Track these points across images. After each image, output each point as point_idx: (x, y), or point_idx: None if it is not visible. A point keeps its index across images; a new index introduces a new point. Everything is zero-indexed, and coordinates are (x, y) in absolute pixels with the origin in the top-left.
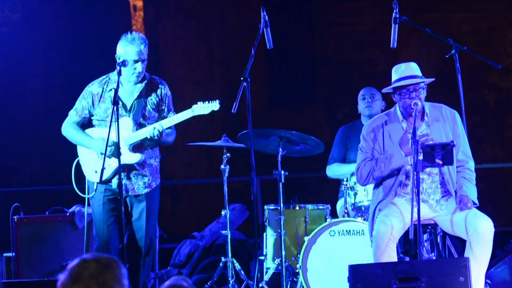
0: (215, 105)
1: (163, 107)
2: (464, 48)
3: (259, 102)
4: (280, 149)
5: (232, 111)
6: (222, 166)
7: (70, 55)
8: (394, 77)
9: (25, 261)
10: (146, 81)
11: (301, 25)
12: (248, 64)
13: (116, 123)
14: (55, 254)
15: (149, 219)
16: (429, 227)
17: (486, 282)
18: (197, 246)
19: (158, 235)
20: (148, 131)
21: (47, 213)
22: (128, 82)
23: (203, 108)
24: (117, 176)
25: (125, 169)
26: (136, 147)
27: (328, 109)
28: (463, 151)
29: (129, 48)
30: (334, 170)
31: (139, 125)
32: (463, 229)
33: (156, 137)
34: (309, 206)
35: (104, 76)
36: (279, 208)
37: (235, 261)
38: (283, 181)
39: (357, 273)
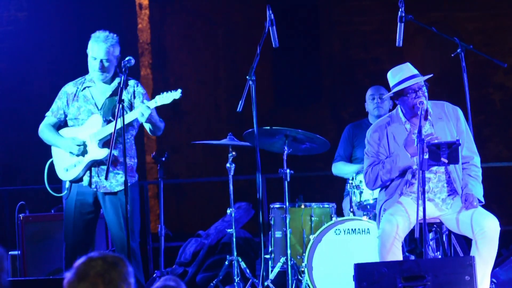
0: (176, 94)
1: (137, 104)
2: (469, 47)
3: (265, 100)
4: (286, 148)
5: (238, 109)
6: (228, 165)
7: (76, 53)
8: (392, 81)
9: (31, 259)
10: (119, 81)
11: (307, 24)
12: (253, 62)
13: (122, 122)
14: (60, 252)
15: (125, 219)
16: (435, 225)
17: (491, 281)
18: (203, 245)
19: (164, 233)
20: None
21: (52, 211)
22: (100, 81)
23: (164, 97)
24: (88, 174)
25: (95, 166)
26: (107, 144)
27: (334, 108)
28: (468, 147)
29: (92, 45)
30: (339, 168)
31: (108, 123)
32: (469, 228)
33: (143, 116)
34: (315, 205)
35: (80, 78)
36: (284, 206)
37: (240, 260)
38: (288, 179)
39: (362, 272)
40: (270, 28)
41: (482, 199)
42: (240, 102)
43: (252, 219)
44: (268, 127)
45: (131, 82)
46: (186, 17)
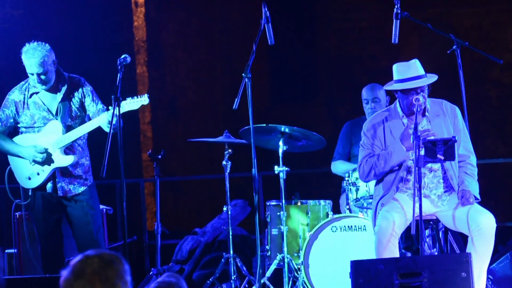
0: (144, 100)
1: (88, 102)
2: (465, 43)
3: (261, 98)
4: (282, 145)
5: (234, 107)
6: (224, 162)
7: (72, 51)
8: (397, 75)
9: (27, 257)
10: (66, 83)
11: (303, 21)
12: (249, 60)
13: (118, 120)
14: None
15: (92, 218)
16: (431, 222)
17: (488, 278)
18: (199, 242)
19: (160, 231)
20: (88, 126)
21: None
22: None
23: (132, 103)
24: (51, 181)
25: (58, 172)
26: (68, 149)
27: (330, 105)
28: (464, 146)
29: (24, 60)
30: (338, 167)
31: (67, 127)
32: (465, 225)
33: (109, 125)
34: (311, 202)
35: (22, 82)
36: (280, 204)
37: (237, 257)
38: (284, 177)
39: (359, 269)
40: (265, 25)
41: (478, 196)
42: (236, 99)
43: (248, 216)
44: (264, 125)
45: (79, 81)
46: (182, 15)
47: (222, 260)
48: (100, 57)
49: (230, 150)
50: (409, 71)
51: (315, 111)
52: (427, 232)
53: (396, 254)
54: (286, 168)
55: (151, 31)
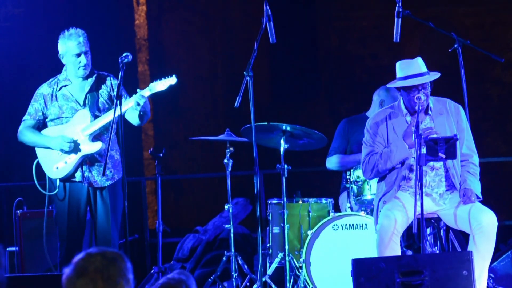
0: (172, 80)
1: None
2: (467, 42)
3: (262, 96)
4: (283, 143)
5: (235, 105)
6: (225, 161)
7: None
8: (399, 73)
9: (28, 255)
10: (94, 75)
11: (304, 20)
12: (251, 58)
13: (120, 117)
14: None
15: (112, 213)
16: (433, 221)
17: (489, 276)
18: (200, 241)
19: (161, 229)
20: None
21: (50, 207)
22: (77, 78)
23: (160, 84)
24: (80, 169)
25: (86, 161)
26: (96, 138)
27: (331, 103)
28: (467, 145)
29: (68, 44)
30: (333, 161)
31: (95, 117)
32: (467, 223)
33: (138, 107)
34: (312, 200)
35: (52, 78)
36: (282, 202)
37: (238, 255)
38: (286, 175)
39: (360, 267)
40: (267, 23)
41: (480, 195)
42: (238, 97)
43: (249, 214)
44: (266, 123)
45: (108, 77)
46: (184, 13)
47: (224, 258)
48: (102, 55)
49: (231, 148)
50: (411, 69)
51: (316, 110)
52: (428, 230)
53: (397, 252)
54: (288, 166)
55: (152, 29)
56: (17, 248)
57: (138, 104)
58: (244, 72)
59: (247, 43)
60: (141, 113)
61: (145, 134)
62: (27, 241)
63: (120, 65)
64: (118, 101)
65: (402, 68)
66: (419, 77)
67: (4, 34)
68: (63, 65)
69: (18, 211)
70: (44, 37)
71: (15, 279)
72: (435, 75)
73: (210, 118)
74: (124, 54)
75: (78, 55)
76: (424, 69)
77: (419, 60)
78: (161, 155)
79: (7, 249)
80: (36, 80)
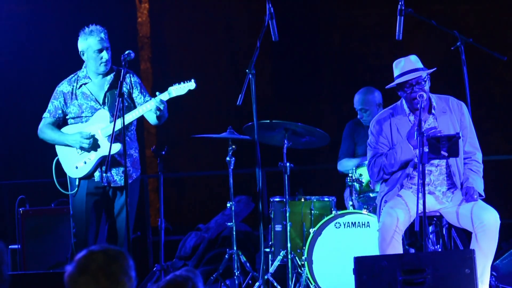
0: (191, 85)
1: (136, 94)
2: (469, 40)
3: (264, 94)
4: (286, 141)
5: (238, 103)
6: (228, 158)
7: (76, 47)
8: (395, 72)
9: (31, 253)
10: (114, 72)
11: (307, 18)
12: (253, 56)
13: (122, 115)
14: (60, 246)
15: (130, 212)
16: (435, 219)
17: (491, 274)
18: (203, 238)
19: (164, 227)
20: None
21: (52, 205)
22: (96, 76)
23: (179, 89)
24: (99, 169)
25: (105, 161)
26: (115, 138)
27: (334, 102)
28: (470, 143)
29: (90, 40)
30: (344, 165)
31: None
32: (469, 221)
33: (158, 111)
34: (315, 198)
35: (72, 75)
36: (284, 200)
37: (240, 253)
38: (288, 173)
39: (362, 265)
40: (269, 21)
41: (483, 193)
42: (240, 95)
43: (252, 212)
44: (268, 121)
45: (128, 73)
46: (186, 11)
47: (226, 256)
48: None
49: (234, 146)
50: (404, 65)
51: (319, 108)
52: (430, 228)
53: (399, 250)
54: (290, 164)
55: (155, 27)
56: (19, 246)
57: (157, 109)
58: (247, 70)
59: (250, 41)
60: (160, 114)
61: (148, 132)
62: (29, 239)
63: (123, 63)
64: (119, 99)
65: (396, 66)
66: (412, 73)
67: (6, 33)
68: (66, 63)
69: (20, 209)
70: (46, 35)
71: (17, 277)
72: (429, 70)
73: (212, 116)
74: (127, 52)
75: (100, 50)
76: (418, 65)
77: (412, 57)
78: (163, 153)
79: (10, 246)
80: (38, 78)
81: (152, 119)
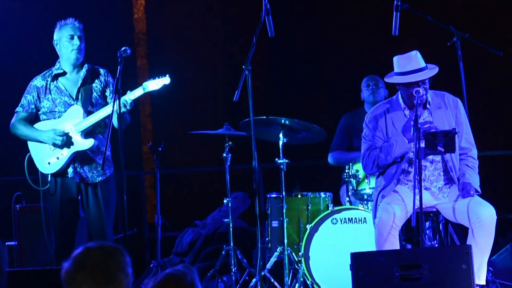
0: (166, 80)
1: (108, 93)
2: (465, 35)
3: (261, 90)
4: (282, 137)
5: (234, 99)
6: (224, 155)
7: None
8: (397, 68)
9: (27, 250)
10: (87, 69)
11: (303, 13)
12: (249, 52)
13: (118, 112)
14: None
15: (106, 209)
16: (432, 214)
17: (488, 270)
18: (199, 235)
19: (160, 223)
20: (102, 114)
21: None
22: (70, 67)
23: (154, 84)
24: (72, 165)
25: (78, 158)
26: (88, 134)
27: (330, 97)
28: (466, 139)
29: (63, 29)
30: (336, 157)
31: (88, 113)
32: (466, 217)
33: (128, 108)
34: (311, 194)
35: (46, 70)
36: (281, 196)
37: (237, 249)
38: (285, 169)
39: (359, 261)
40: (266, 17)
41: (479, 189)
42: (236, 91)
43: (248, 208)
44: (264, 117)
45: (102, 71)
46: (182, 7)
47: (223, 252)
48: (100, 49)
49: (230, 142)
50: (410, 64)
51: (315, 103)
52: (427, 224)
53: (396, 246)
54: (287, 160)
55: (151, 23)
56: (16, 242)
57: (124, 106)
58: (243, 66)
59: (246, 37)
60: (123, 112)
61: (144, 128)
62: (26, 235)
63: (119, 59)
64: (117, 96)
65: (400, 63)
66: (419, 73)
67: (1, 28)
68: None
69: (17, 206)
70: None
71: (14, 274)
72: (434, 70)
73: (209, 112)
74: (123, 48)
75: (71, 37)
76: (422, 63)
77: (417, 55)
78: (160, 149)
79: (6, 243)
80: (33, 73)
81: (115, 121)
